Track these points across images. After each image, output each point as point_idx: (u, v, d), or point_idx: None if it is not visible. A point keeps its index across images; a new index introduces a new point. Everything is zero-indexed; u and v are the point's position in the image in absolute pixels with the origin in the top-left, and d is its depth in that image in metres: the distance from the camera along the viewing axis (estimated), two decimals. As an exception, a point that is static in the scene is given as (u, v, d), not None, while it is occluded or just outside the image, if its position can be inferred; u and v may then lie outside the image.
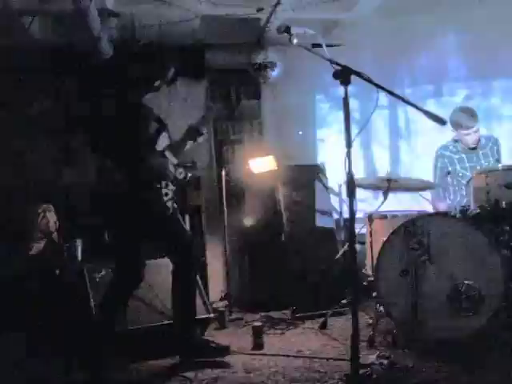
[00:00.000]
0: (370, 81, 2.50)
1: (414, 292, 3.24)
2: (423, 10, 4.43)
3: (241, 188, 4.85)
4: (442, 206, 4.44)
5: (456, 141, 4.42)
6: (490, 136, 4.47)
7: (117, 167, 2.97)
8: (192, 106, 4.43)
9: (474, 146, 4.37)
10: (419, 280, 3.26)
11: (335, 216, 4.79)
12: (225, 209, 4.58)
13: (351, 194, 2.50)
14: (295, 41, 2.79)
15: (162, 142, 3.20)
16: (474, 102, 4.90)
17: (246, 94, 4.91)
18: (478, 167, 4.23)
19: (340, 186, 4.80)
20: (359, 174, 4.82)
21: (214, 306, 4.30)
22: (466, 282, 3.15)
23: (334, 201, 4.87)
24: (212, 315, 3.80)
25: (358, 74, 2.52)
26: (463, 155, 4.42)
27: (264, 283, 4.56)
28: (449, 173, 4.33)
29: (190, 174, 3.33)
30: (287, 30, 2.79)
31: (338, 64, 2.51)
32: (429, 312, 3.20)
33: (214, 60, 4.83)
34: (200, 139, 3.39)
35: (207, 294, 4.07)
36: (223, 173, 4.62)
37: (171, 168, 3.18)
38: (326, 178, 4.73)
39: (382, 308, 3.59)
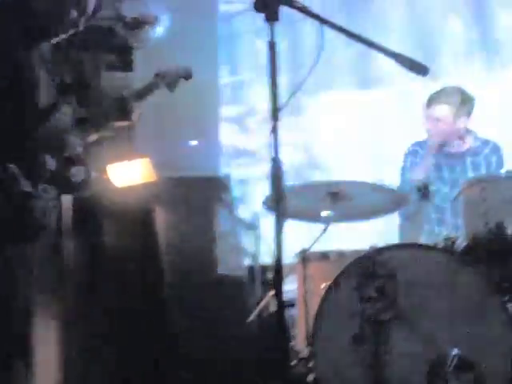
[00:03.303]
0: (306, 12, 2.42)
1: (374, 368, 3.07)
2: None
3: (94, 210, 4.14)
4: None
5: None
6: (489, 141, 4.19)
7: None
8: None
9: (432, 143, 4.11)
10: (382, 349, 3.06)
11: (247, 261, 4.42)
12: (64, 243, 3.89)
13: (278, 196, 2.30)
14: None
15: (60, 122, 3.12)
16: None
17: (109, 64, 4.16)
18: (462, 181, 3.85)
19: (256, 214, 4.44)
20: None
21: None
22: (455, 351, 2.96)
23: (246, 236, 4.47)
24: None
25: (289, 3, 2.39)
26: (442, 160, 4.13)
27: (129, 369, 3.80)
28: (423, 189, 4.02)
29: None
30: None
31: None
32: (400, 400, 3.10)
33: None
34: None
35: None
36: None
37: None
38: (233, 200, 4.33)
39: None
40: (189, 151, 4.66)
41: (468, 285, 3.04)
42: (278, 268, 2.34)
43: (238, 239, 4.40)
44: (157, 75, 3.51)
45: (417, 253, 3.23)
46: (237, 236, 4.39)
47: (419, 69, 2.45)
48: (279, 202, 2.32)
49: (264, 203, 3.59)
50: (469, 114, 4.14)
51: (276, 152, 2.28)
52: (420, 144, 4.30)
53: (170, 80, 3.51)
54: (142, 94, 3.52)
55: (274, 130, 2.28)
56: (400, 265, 3.09)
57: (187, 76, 3.53)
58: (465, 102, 4.12)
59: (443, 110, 4.11)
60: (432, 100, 4.12)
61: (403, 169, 4.35)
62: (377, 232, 4.28)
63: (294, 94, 2.42)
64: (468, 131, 4.19)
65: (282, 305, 2.39)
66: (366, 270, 3.11)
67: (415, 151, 4.28)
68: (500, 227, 3.18)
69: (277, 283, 2.37)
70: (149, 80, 3.53)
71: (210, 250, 4.14)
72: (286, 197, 2.38)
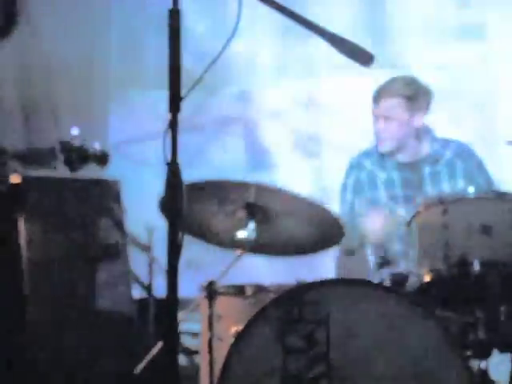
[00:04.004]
0: None
1: None
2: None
3: None
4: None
5: None
6: (449, 140, 3.85)
7: None
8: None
9: (384, 149, 3.88)
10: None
11: (137, 294, 4.10)
12: None
13: (175, 211, 2.19)
14: None
15: None
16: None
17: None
18: (420, 199, 3.64)
19: (151, 229, 4.01)
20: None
21: None
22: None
23: (139, 261, 4.10)
24: None
25: None
26: (395, 173, 3.80)
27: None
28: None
29: None
30: None
31: None
32: None
33: None
34: None
35: None
36: None
37: None
38: (123, 210, 3.97)
39: None
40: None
41: (421, 335, 2.86)
42: (171, 303, 2.17)
43: (126, 263, 4.03)
44: (62, 144, 3.20)
45: (356, 292, 2.98)
46: (125, 258, 4.02)
47: (362, 57, 2.39)
48: (175, 219, 2.16)
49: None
50: (426, 108, 3.81)
51: (174, 154, 2.11)
52: (367, 154, 3.93)
53: (75, 159, 3.18)
54: (27, 158, 3.28)
55: (173, 125, 2.11)
56: (334, 307, 2.87)
57: (102, 161, 3.11)
58: (421, 93, 3.81)
59: (395, 105, 3.82)
60: (380, 94, 3.80)
61: (344, 187, 4.01)
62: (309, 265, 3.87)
63: (202, 78, 2.25)
64: (426, 131, 3.83)
65: (175, 354, 2.20)
66: (291, 311, 2.89)
67: (360, 164, 3.90)
68: (464, 262, 2.99)
69: (170, 323, 2.21)
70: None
71: (89, 276, 3.83)
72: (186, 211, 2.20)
